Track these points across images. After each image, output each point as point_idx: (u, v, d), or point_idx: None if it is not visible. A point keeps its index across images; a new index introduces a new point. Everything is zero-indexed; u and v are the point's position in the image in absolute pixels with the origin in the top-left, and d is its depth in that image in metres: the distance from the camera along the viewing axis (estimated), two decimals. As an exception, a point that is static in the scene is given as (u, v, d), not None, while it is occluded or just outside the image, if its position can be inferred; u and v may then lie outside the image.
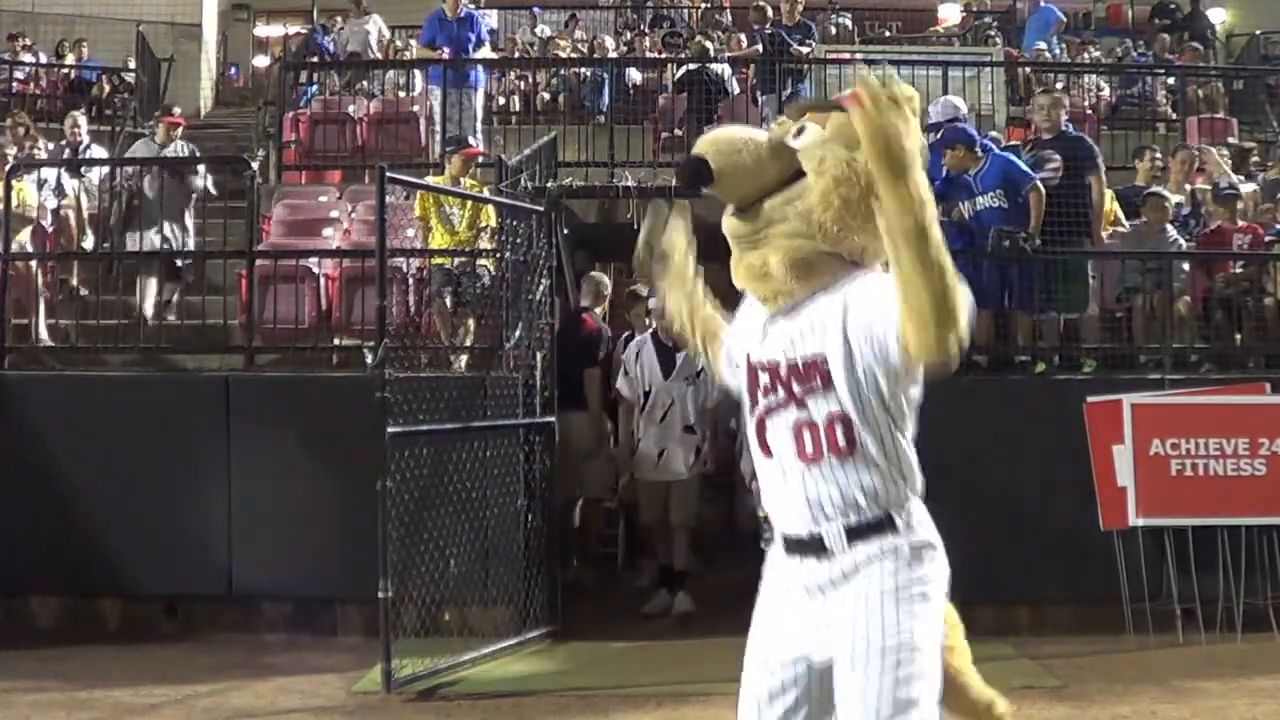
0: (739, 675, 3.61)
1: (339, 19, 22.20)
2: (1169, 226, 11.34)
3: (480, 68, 15.30)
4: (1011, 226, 10.31)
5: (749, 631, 3.68)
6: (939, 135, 11.15)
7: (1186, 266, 11.06)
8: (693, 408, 10.34)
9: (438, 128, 14.69)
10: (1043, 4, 21.34)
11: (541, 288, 9.67)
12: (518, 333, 9.56)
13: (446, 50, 15.02)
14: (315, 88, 17.67)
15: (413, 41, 21.33)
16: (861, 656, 3.43)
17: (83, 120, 14.97)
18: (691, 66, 16.35)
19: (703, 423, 10.44)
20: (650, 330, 10.66)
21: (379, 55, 19.52)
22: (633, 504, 11.08)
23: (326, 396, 9.55)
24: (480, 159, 12.24)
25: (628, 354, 10.65)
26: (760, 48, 16.06)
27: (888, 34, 26.34)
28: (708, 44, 16.97)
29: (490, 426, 9.06)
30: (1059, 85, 18.35)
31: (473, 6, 15.40)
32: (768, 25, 16.42)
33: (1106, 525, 9.04)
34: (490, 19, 15.49)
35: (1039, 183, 10.43)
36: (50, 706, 7.66)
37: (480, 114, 15.06)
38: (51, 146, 15.02)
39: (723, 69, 15.91)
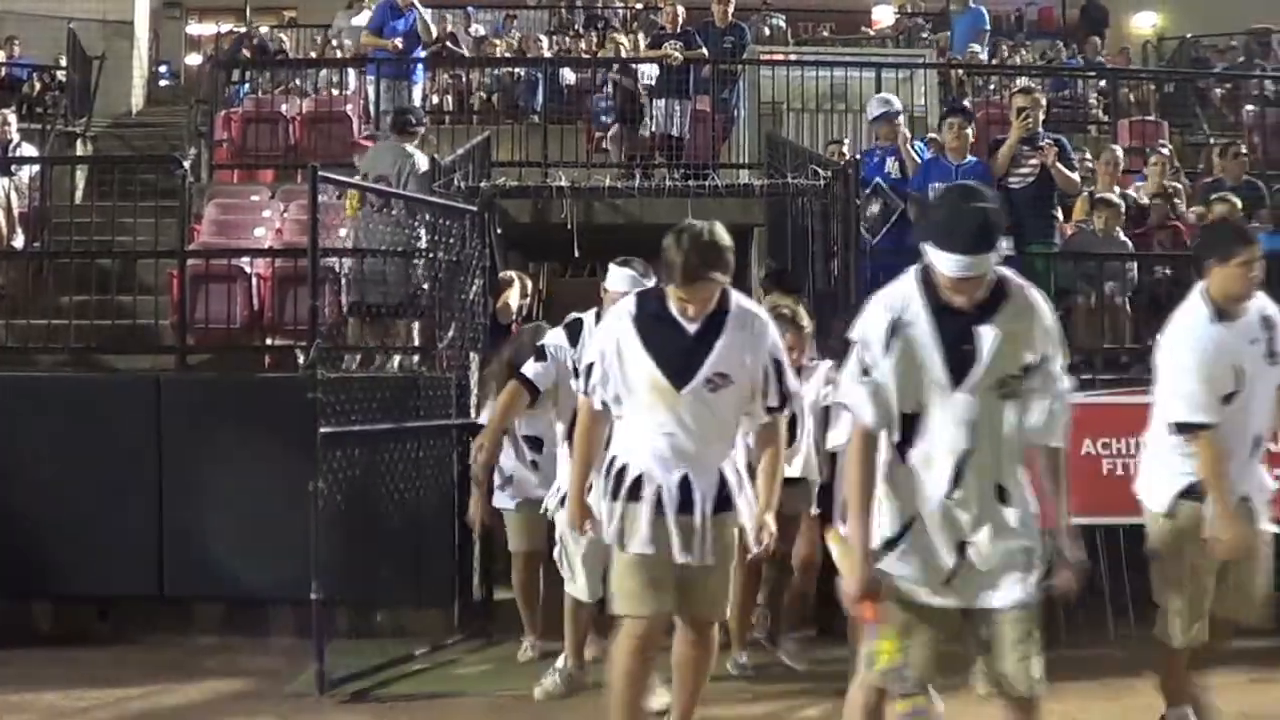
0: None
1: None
2: (1119, 230, 11.45)
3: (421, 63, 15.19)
4: None
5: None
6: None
7: (1134, 268, 11.19)
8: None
9: (373, 121, 14.60)
10: (971, 4, 21.38)
11: (475, 288, 9.66)
12: (450, 333, 9.54)
13: (400, 42, 14.87)
14: (247, 86, 17.55)
15: (348, 41, 21.25)
16: None
17: (13, 118, 14.85)
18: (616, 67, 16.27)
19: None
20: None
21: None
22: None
23: (258, 397, 9.51)
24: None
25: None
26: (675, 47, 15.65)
27: (822, 35, 26.52)
28: (623, 42, 16.89)
29: (423, 427, 9.05)
30: (990, 87, 18.58)
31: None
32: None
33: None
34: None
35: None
36: (-20, 710, 7.60)
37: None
38: (-20, 145, 14.89)
39: (649, 70, 15.65)
